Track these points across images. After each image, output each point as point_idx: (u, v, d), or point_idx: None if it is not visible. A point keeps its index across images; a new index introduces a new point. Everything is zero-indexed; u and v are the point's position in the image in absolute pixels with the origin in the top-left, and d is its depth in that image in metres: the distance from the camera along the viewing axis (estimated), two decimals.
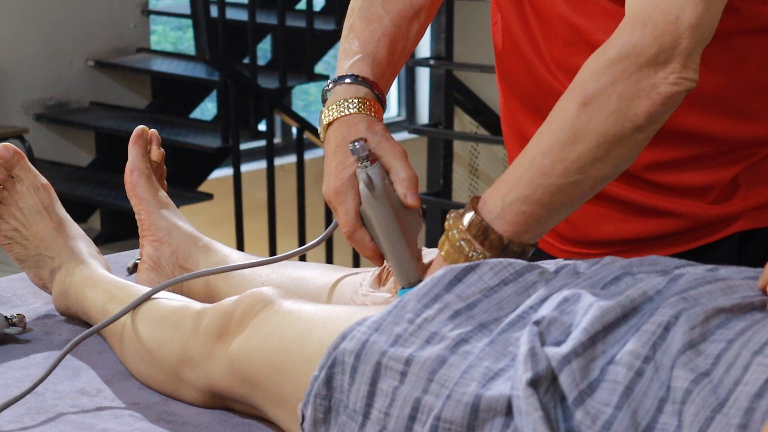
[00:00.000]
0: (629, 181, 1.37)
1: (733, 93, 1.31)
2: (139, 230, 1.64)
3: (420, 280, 1.28)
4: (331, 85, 1.39)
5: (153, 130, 1.68)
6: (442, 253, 1.24)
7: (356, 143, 1.31)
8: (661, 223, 1.38)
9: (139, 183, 1.64)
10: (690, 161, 1.36)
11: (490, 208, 1.20)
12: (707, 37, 1.17)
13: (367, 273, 1.46)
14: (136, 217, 1.64)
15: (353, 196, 1.32)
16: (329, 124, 1.36)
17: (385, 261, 1.35)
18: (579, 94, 1.15)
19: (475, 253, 1.21)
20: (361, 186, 1.31)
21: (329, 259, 4.98)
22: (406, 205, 1.32)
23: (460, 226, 1.22)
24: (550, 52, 1.37)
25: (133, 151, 1.65)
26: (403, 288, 1.31)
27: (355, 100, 1.36)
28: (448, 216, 1.24)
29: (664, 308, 1.05)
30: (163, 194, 1.66)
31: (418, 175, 1.34)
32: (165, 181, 1.70)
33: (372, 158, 1.32)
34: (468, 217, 1.22)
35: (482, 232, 1.20)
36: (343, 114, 1.35)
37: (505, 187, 1.19)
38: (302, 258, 4.92)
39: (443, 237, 1.24)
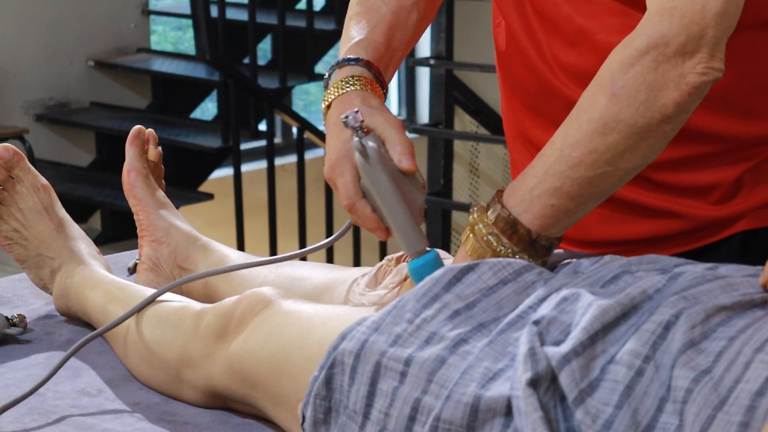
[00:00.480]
0: (632, 181, 1.36)
1: (737, 90, 1.31)
2: (138, 231, 1.64)
3: (426, 250, 1.27)
4: (329, 72, 1.40)
5: (150, 129, 1.68)
6: (467, 249, 1.23)
7: (348, 115, 1.29)
8: (663, 224, 1.38)
9: (136, 183, 1.64)
10: (694, 160, 1.36)
11: (517, 202, 1.19)
12: (732, 26, 1.17)
13: (364, 273, 1.45)
14: (135, 217, 1.64)
15: (350, 168, 1.30)
16: (328, 106, 1.37)
17: (391, 232, 1.34)
18: (607, 86, 1.15)
19: (503, 248, 1.20)
20: (356, 155, 1.29)
21: (329, 259, 4.97)
22: (402, 170, 1.30)
23: (486, 221, 1.21)
24: (553, 54, 1.37)
25: (130, 151, 1.65)
26: (411, 259, 1.29)
27: (351, 79, 1.35)
28: (471, 210, 1.23)
29: (664, 307, 1.05)
30: (161, 194, 1.66)
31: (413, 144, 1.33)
32: (163, 181, 1.70)
33: (367, 130, 1.31)
34: (494, 211, 1.21)
35: (510, 227, 1.19)
36: (339, 94, 1.35)
37: (532, 180, 1.19)
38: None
39: (467, 232, 1.23)
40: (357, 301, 1.41)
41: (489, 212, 1.21)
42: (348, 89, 1.35)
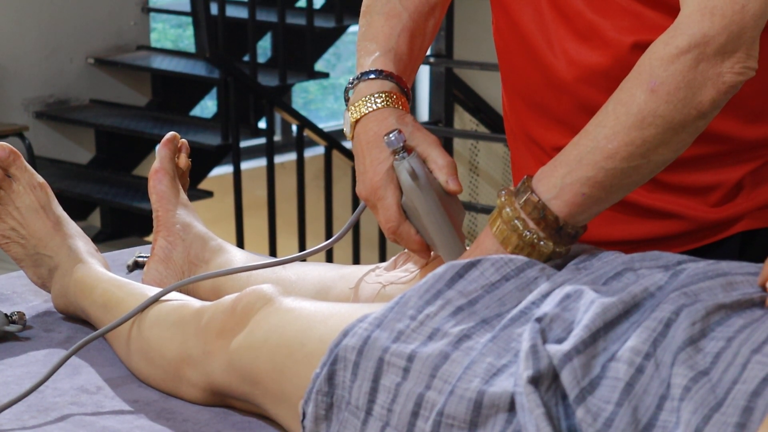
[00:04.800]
0: None
1: (745, 92, 1.31)
2: (154, 226, 1.64)
3: None
4: (354, 83, 1.39)
5: (183, 139, 1.70)
6: (494, 230, 1.23)
7: (391, 135, 1.29)
8: (664, 225, 1.38)
9: (163, 181, 1.64)
10: (697, 160, 1.36)
11: (548, 188, 1.20)
12: (764, 25, 1.19)
13: (379, 266, 1.46)
14: (153, 215, 1.65)
15: (393, 189, 1.31)
16: (357, 121, 1.36)
17: (432, 252, 1.34)
18: (647, 81, 1.17)
19: (529, 233, 1.21)
20: (404, 177, 1.29)
21: (329, 258, 4.97)
22: (448, 191, 1.31)
23: (515, 205, 1.22)
24: (563, 47, 1.37)
25: (162, 152, 1.66)
26: None
27: (382, 95, 1.35)
28: (499, 193, 1.24)
29: (665, 304, 1.05)
30: (183, 196, 1.67)
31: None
32: (186, 192, 1.70)
33: (409, 149, 1.31)
34: (523, 195, 1.21)
35: (539, 212, 1.20)
36: (370, 109, 1.35)
37: (564, 167, 1.20)
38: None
39: (495, 213, 1.24)
40: (372, 281, 1.41)
41: (518, 196, 1.22)
42: (379, 106, 1.34)
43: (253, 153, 5.74)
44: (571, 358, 1.01)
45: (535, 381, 1.00)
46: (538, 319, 1.06)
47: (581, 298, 1.09)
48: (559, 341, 1.04)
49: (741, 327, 1.01)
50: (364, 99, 1.36)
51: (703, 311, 1.03)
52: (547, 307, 1.09)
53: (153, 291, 1.43)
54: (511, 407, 1.01)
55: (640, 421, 0.97)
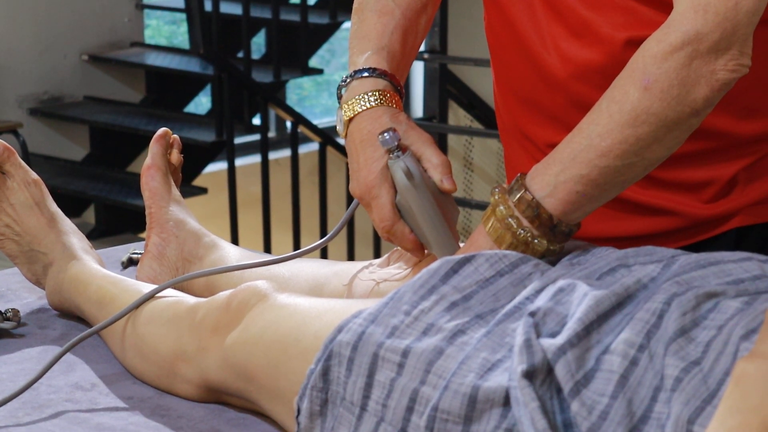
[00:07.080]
0: None
1: (737, 88, 1.31)
2: (147, 223, 1.64)
3: None
4: (347, 80, 1.39)
5: (175, 135, 1.69)
6: (488, 228, 1.23)
7: (386, 134, 1.29)
8: (658, 221, 1.38)
9: (155, 177, 1.64)
10: (691, 157, 1.36)
11: (541, 186, 1.20)
12: (757, 22, 1.19)
13: (372, 262, 1.46)
14: (146, 211, 1.64)
15: (387, 188, 1.31)
16: (350, 119, 1.36)
17: (426, 251, 1.34)
18: (640, 79, 1.17)
19: (523, 231, 1.21)
20: (399, 176, 1.29)
21: (323, 255, 4.97)
22: (443, 190, 1.31)
23: (509, 203, 1.22)
24: (556, 44, 1.37)
25: (153, 148, 1.66)
26: None
27: (376, 93, 1.35)
28: (492, 190, 1.24)
29: (657, 294, 1.05)
30: (176, 192, 1.67)
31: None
32: (178, 188, 1.70)
33: (403, 148, 1.31)
34: (516, 193, 1.22)
35: (533, 210, 1.20)
36: (364, 108, 1.35)
37: (557, 165, 1.20)
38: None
39: (488, 211, 1.24)
40: (366, 278, 1.41)
41: (511, 194, 1.22)
42: (372, 104, 1.34)
43: (247, 149, 5.73)
44: (564, 352, 1.01)
45: (529, 375, 1.00)
46: (532, 314, 1.06)
47: (574, 291, 1.09)
48: (553, 335, 1.05)
49: (732, 314, 1.02)
50: (357, 97, 1.36)
51: (693, 301, 1.03)
52: (541, 301, 1.09)
53: (147, 288, 1.43)
54: (506, 402, 1.01)
55: (635, 414, 0.97)
